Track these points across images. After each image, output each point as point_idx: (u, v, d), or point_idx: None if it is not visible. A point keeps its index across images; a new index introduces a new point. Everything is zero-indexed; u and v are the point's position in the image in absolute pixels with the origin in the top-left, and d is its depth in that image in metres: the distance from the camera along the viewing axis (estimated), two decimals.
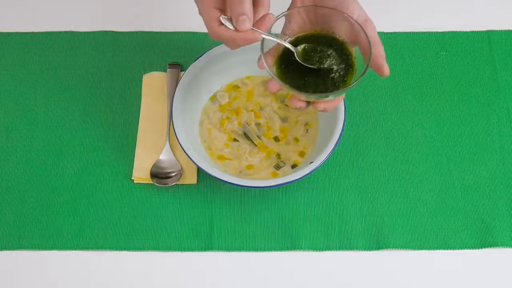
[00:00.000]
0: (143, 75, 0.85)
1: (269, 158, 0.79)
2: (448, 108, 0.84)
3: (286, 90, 0.65)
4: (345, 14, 0.65)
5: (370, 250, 0.75)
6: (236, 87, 0.83)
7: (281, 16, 0.66)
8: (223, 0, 0.64)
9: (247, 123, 0.81)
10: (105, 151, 0.81)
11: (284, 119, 0.81)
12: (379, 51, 0.64)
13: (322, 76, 0.65)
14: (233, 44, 0.64)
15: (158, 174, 0.78)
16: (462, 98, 0.84)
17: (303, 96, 0.64)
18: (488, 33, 0.89)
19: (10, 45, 0.88)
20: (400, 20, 0.90)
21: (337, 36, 0.67)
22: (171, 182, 0.78)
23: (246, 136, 0.80)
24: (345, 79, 0.65)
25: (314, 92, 0.64)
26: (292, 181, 0.72)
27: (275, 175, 0.77)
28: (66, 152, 0.81)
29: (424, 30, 0.89)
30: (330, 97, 0.64)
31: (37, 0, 0.92)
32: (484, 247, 0.75)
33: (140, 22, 0.90)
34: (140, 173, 0.79)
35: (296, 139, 0.80)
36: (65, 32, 0.89)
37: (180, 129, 0.76)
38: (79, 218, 0.77)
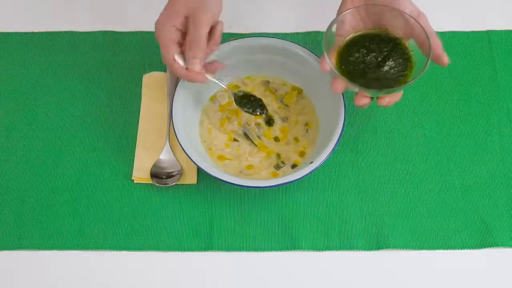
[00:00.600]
0: (143, 75, 0.85)
1: (269, 158, 0.79)
2: (448, 108, 0.84)
3: (352, 89, 0.67)
4: (399, 10, 0.67)
5: (370, 250, 0.75)
6: (236, 87, 0.83)
7: (335, 22, 0.68)
8: (182, 36, 0.70)
9: (247, 123, 0.81)
10: (105, 151, 0.81)
11: (284, 119, 0.81)
12: (437, 42, 0.67)
13: (382, 72, 0.67)
14: (185, 79, 0.73)
15: (158, 174, 0.78)
16: (462, 98, 0.84)
17: (370, 93, 0.66)
18: (488, 33, 0.89)
19: (10, 45, 0.88)
20: None
21: (390, 33, 0.69)
22: (171, 182, 0.78)
23: (246, 136, 0.80)
24: (404, 73, 0.67)
25: (379, 88, 0.66)
26: (292, 181, 0.72)
27: (275, 175, 0.77)
28: (66, 152, 0.81)
29: None
30: (396, 91, 0.66)
31: (37, 0, 0.92)
32: (484, 247, 0.75)
33: (140, 22, 0.89)
34: (140, 173, 0.79)
35: (296, 139, 0.80)
36: (65, 32, 0.89)
37: (180, 129, 0.75)
38: (79, 218, 0.77)
